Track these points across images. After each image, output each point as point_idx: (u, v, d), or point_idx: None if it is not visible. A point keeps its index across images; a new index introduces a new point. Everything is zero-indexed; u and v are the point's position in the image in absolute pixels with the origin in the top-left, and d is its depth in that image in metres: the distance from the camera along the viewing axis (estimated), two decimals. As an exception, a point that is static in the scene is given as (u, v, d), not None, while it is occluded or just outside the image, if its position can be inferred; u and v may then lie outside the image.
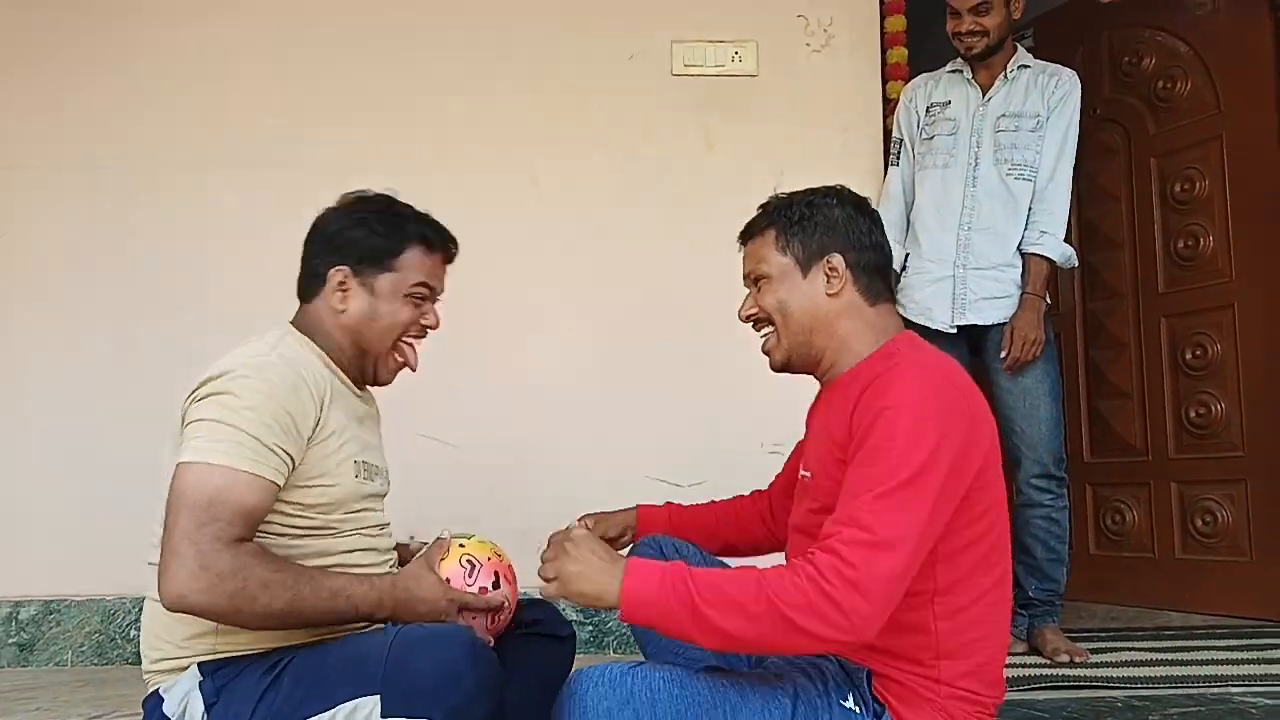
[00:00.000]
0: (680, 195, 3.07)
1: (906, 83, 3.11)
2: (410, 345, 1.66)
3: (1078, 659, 2.62)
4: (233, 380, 1.42)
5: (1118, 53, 3.69)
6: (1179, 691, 2.28)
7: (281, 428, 1.42)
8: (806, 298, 1.50)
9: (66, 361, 2.98)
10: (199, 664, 1.46)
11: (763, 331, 1.57)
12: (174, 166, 3.03)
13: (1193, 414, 3.47)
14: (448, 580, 1.54)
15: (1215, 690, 2.28)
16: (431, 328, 1.66)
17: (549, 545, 1.39)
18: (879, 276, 1.53)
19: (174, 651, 1.48)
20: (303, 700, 1.37)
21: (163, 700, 1.47)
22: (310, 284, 1.62)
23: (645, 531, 1.87)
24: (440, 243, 1.64)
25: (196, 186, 3.01)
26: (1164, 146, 3.58)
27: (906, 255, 2.89)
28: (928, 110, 2.91)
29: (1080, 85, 2.81)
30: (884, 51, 3.23)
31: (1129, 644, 2.83)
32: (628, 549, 1.83)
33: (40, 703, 2.41)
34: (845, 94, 3.17)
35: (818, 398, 1.61)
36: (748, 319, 1.58)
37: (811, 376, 1.58)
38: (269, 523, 1.45)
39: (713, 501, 1.94)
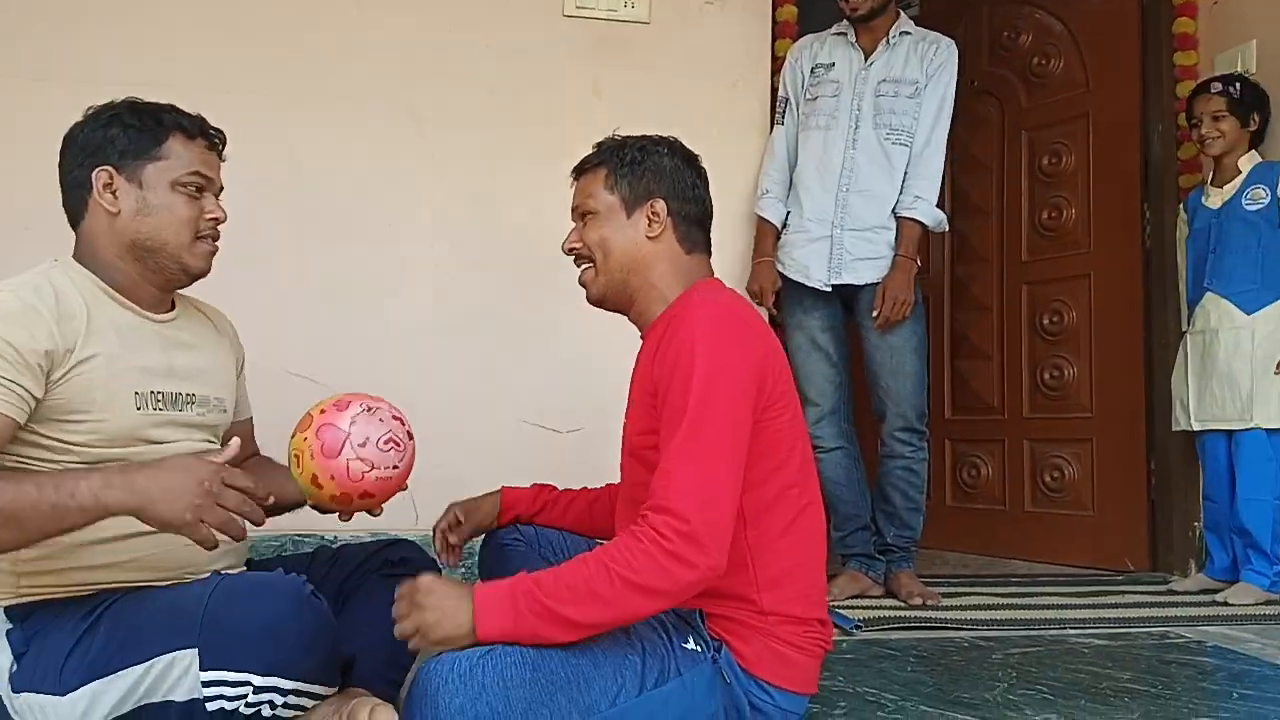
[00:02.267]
0: (566, 140, 2.97)
1: (794, 41, 3.15)
2: (206, 239, 1.55)
3: (929, 601, 2.75)
4: None
5: (998, 27, 3.83)
6: (1020, 633, 2.44)
7: (26, 365, 1.33)
8: (627, 238, 1.56)
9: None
10: (5, 609, 1.39)
11: (582, 266, 1.62)
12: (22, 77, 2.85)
13: (1047, 376, 3.67)
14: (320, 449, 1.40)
15: (1053, 632, 2.45)
16: (219, 221, 1.56)
17: (399, 600, 1.34)
18: (697, 228, 1.61)
19: None
20: (118, 650, 1.31)
21: None
22: (75, 199, 1.52)
23: (510, 514, 1.88)
24: (199, 130, 1.55)
25: (60, 103, 2.84)
26: (1035, 120, 3.73)
27: (788, 213, 2.95)
28: (813, 71, 2.95)
29: (957, 55, 2.89)
30: (774, 9, 3.25)
31: (977, 589, 2.99)
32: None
33: None
34: (734, 49, 3.17)
35: (640, 351, 1.63)
36: (569, 252, 1.63)
37: (627, 319, 1.63)
38: (33, 461, 1.37)
39: (585, 488, 1.95)
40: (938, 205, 2.84)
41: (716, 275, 1.63)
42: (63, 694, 1.31)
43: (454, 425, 2.92)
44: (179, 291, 1.63)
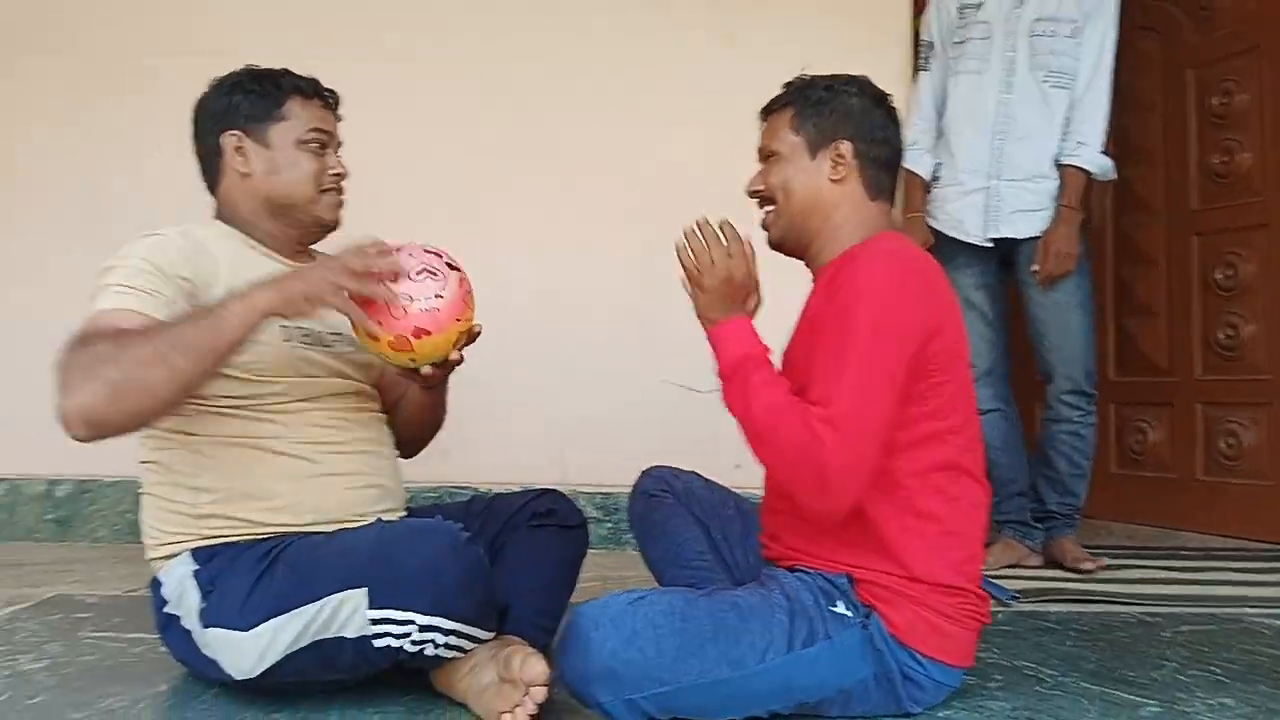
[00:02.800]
0: (699, 88, 3.02)
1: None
2: (331, 193, 1.63)
3: (1096, 567, 2.63)
4: (122, 253, 1.45)
5: (1149, -42, 3.54)
6: (1192, 610, 2.26)
7: (167, 278, 1.43)
8: (811, 180, 1.53)
9: (97, 244, 2.96)
10: (192, 552, 1.49)
11: (765, 208, 1.59)
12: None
13: (1220, 335, 3.39)
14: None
15: (1229, 610, 2.26)
16: (342, 175, 1.64)
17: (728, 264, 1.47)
18: (885, 172, 1.55)
19: (164, 538, 1.51)
20: (295, 589, 1.39)
21: (161, 585, 1.51)
22: (210, 166, 1.62)
23: None
24: (314, 90, 1.63)
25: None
26: (1202, 56, 3.44)
27: (938, 164, 2.80)
28: (960, 11, 2.78)
29: None
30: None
31: (1145, 562, 2.80)
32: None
33: (77, 575, 2.51)
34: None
35: (811, 292, 1.60)
36: (753, 194, 1.60)
37: (802, 263, 1.60)
38: (198, 396, 1.43)
39: None
40: (1104, 152, 2.65)
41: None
42: (246, 629, 1.40)
43: (603, 379, 2.98)
44: (315, 247, 1.71)
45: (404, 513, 1.68)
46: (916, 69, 2.92)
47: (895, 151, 1.56)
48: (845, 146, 1.51)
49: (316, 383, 1.57)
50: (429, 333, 1.43)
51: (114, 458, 2.85)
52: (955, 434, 1.44)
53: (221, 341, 1.33)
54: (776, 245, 1.59)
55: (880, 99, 1.56)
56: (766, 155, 1.58)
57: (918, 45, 2.97)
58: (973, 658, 1.49)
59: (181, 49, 2.92)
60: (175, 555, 1.50)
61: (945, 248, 2.75)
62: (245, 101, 1.59)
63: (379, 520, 1.53)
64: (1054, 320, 2.68)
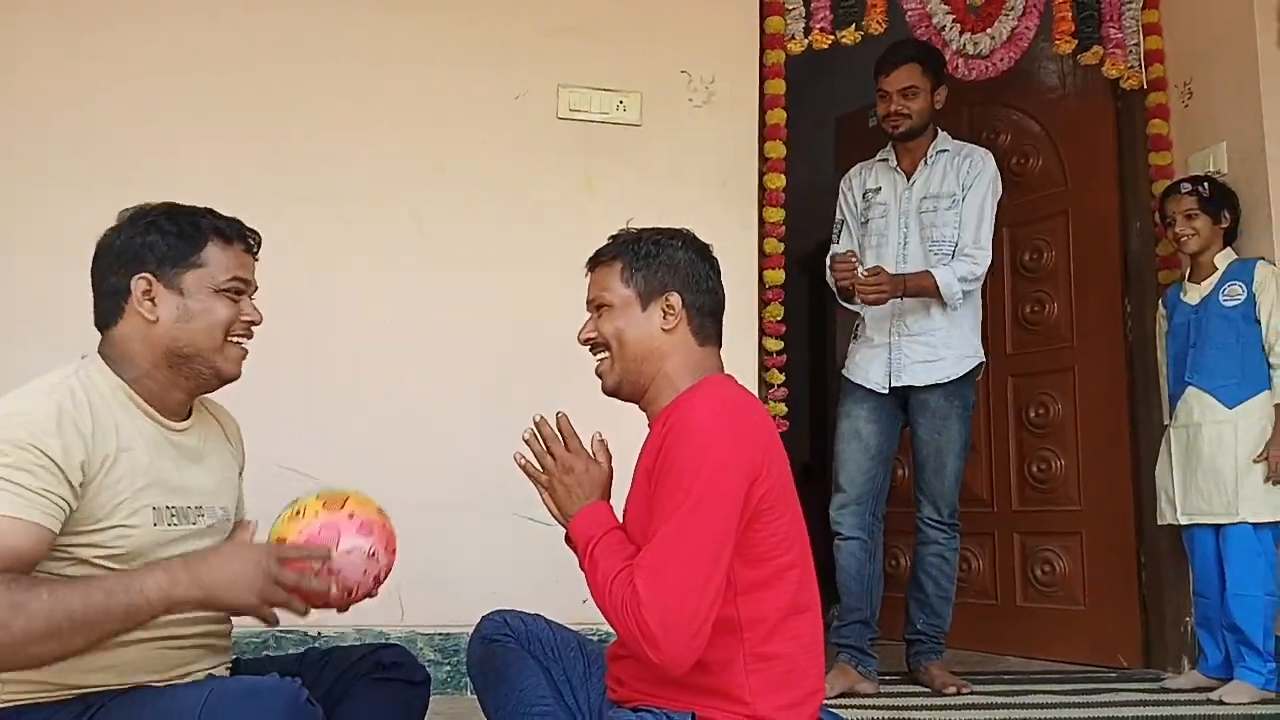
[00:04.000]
0: (561, 236, 3.08)
1: (783, 143, 3.30)
2: (237, 344, 1.55)
3: (964, 690, 2.86)
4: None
5: (977, 127, 3.93)
6: (1015, 733, 2.40)
7: (46, 470, 1.32)
8: (642, 330, 1.59)
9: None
10: None
11: (598, 355, 1.65)
12: (37, 181, 2.90)
13: (1035, 469, 3.68)
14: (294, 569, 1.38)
15: (1047, 732, 2.42)
16: (255, 323, 1.57)
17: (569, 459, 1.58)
18: (710, 319, 1.63)
19: None
20: None
21: None
22: (110, 306, 1.50)
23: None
24: (236, 234, 1.56)
25: (58, 203, 2.90)
26: (1016, 217, 3.82)
27: (858, 324, 3.13)
28: (864, 196, 3.15)
29: (994, 163, 3.06)
30: (763, 113, 3.35)
31: (972, 688, 2.95)
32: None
33: None
34: (724, 149, 3.27)
35: (645, 440, 1.66)
36: (585, 342, 1.66)
37: (637, 407, 1.66)
38: (52, 575, 1.34)
39: None
40: (964, 292, 2.94)
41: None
42: None
43: (445, 520, 2.92)
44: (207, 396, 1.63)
45: (228, 666, 1.59)
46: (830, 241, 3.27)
47: (719, 300, 1.65)
48: (674, 298, 1.58)
49: (168, 552, 1.46)
50: (356, 598, 1.45)
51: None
52: (793, 568, 1.49)
53: (128, 626, 1.28)
54: (612, 392, 1.64)
55: (703, 251, 1.66)
56: (597, 306, 1.63)
57: (763, 196, 3.24)
58: None
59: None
60: None
61: (849, 387, 3.07)
62: (161, 243, 1.49)
63: (209, 677, 1.44)
64: (932, 460, 2.98)
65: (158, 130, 2.96)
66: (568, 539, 1.61)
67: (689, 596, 1.36)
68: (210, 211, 1.56)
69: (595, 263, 1.66)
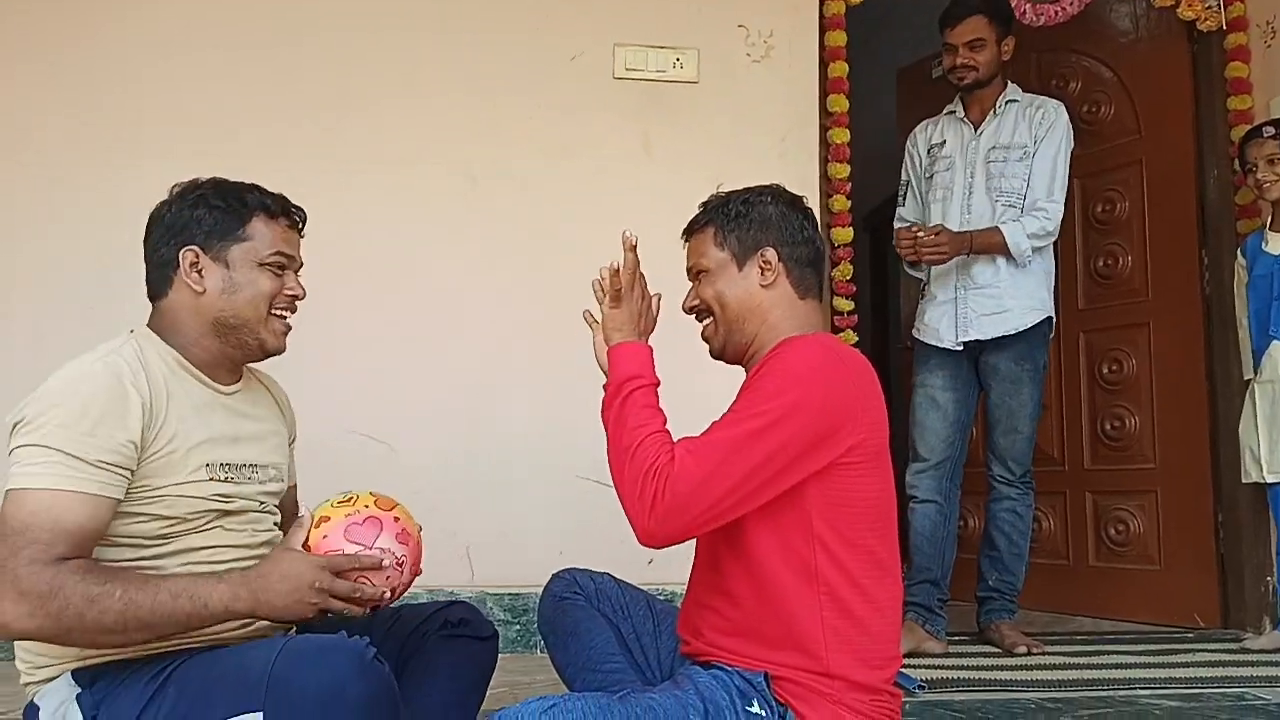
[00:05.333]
0: (618, 198, 3.08)
1: (845, 96, 3.23)
2: (281, 318, 1.60)
3: (1035, 650, 2.83)
4: (48, 402, 1.37)
5: (1045, 75, 3.80)
6: (1090, 694, 2.36)
7: (102, 442, 1.36)
8: (742, 289, 1.59)
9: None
10: (73, 673, 1.40)
11: (703, 321, 1.64)
12: (99, 158, 2.95)
13: (1108, 427, 3.60)
14: (328, 549, 1.44)
15: (1123, 693, 2.38)
16: (298, 298, 1.61)
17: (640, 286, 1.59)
18: (810, 270, 1.61)
19: (43, 661, 1.42)
20: (186, 714, 1.33)
21: (39, 710, 1.41)
22: (160, 277, 1.55)
23: None
24: (281, 210, 1.59)
25: (127, 178, 2.94)
26: (1087, 168, 3.69)
27: (924, 284, 3.10)
28: (928, 152, 3.11)
29: (1067, 115, 2.98)
30: (824, 65, 3.28)
31: (1044, 648, 2.91)
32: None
33: None
34: (783, 104, 3.20)
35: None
36: (690, 310, 1.65)
37: (741, 367, 1.64)
38: (117, 535, 1.40)
39: None
40: (1036, 249, 2.90)
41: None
42: None
43: (511, 479, 2.95)
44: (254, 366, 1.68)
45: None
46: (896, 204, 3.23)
47: (817, 250, 1.63)
48: (770, 253, 1.58)
49: (227, 508, 1.52)
50: (390, 601, 1.50)
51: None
52: (874, 532, 1.47)
53: (186, 630, 1.37)
54: (719, 354, 1.64)
55: (795, 203, 1.64)
56: (696, 273, 1.64)
57: (824, 152, 3.19)
58: None
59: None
60: (54, 678, 1.41)
61: (921, 351, 3.04)
62: (209, 217, 1.53)
63: (281, 635, 1.48)
64: (1004, 421, 2.95)
65: (211, 104, 2.99)
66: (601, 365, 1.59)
67: (714, 491, 1.36)
68: (257, 187, 1.59)
69: (689, 232, 1.66)
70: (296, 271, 1.62)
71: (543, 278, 3.03)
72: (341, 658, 1.31)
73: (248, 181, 1.60)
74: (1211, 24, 3.46)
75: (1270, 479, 2.96)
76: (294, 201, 1.63)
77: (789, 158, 3.18)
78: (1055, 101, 3.02)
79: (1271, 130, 3.02)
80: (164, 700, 1.35)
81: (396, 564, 1.47)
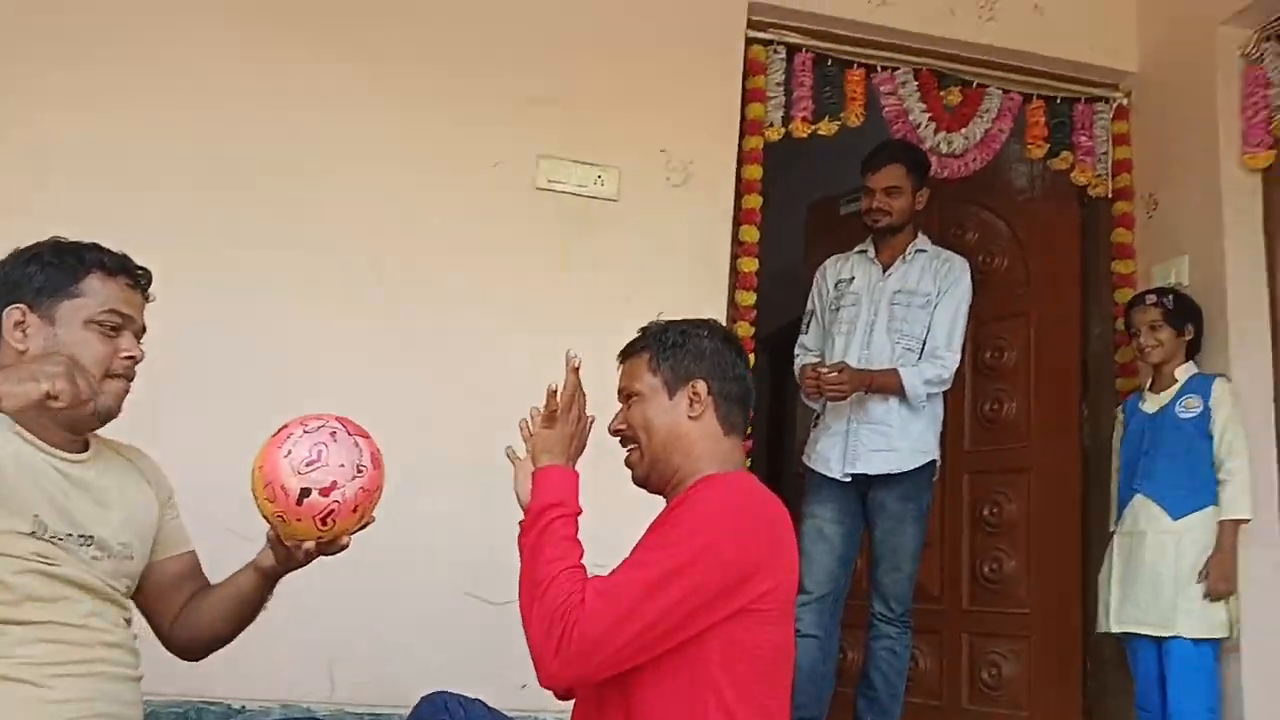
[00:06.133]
0: (530, 306, 3.07)
1: (756, 228, 3.32)
2: (117, 378, 1.51)
3: None
4: None
5: (947, 224, 3.97)
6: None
7: None
8: (670, 417, 1.61)
9: None
10: None
11: (628, 447, 1.66)
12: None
13: (986, 569, 3.68)
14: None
15: None
16: (135, 359, 1.54)
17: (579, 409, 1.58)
18: (738, 407, 1.65)
19: None
20: None
21: None
22: None
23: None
24: (120, 268, 1.54)
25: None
26: (979, 315, 3.80)
27: (818, 413, 3.15)
28: (835, 285, 3.22)
29: (970, 271, 3.12)
30: (739, 197, 3.36)
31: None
32: None
33: None
34: (699, 230, 3.26)
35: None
36: (615, 433, 1.67)
37: (661, 497, 1.64)
38: None
39: None
40: (927, 396, 3.00)
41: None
42: None
43: (389, 594, 2.82)
44: (96, 433, 1.58)
45: None
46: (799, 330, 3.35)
47: (746, 388, 1.66)
48: (700, 385, 1.60)
49: (54, 593, 1.41)
50: (339, 516, 1.44)
51: None
52: (768, 682, 1.47)
53: None
54: (641, 481, 1.65)
55: (730, 339, 1.70)
56: (627, 396, 1.65)
57: (734, 278, 3.29)
58: None
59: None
60: None
61: (812, 480, 3.07)
62: (40, 274, 1.48)
63: None
64: (888, 557, 2.98)
65: (122, 172, 2.90)
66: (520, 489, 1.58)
67: (622, 635, 1.34)
68: (97, 246, 1.54)
69: (625, 355, 1.70)
70: (139, 334, 1.55)
71: (447, 380, 2.99)
72: None
73: (90, 241, 1.54)
74: (1100, 190, 3.70)
75: (1116, 630, 3.05)
76: (138, 263, 1.58)
77: (699, 280, 3.23)
78: (961, 259, 3.17)
79: (1154, 298, 3.18)
80: None
81: (358, 464, 1.48)
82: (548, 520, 1.47)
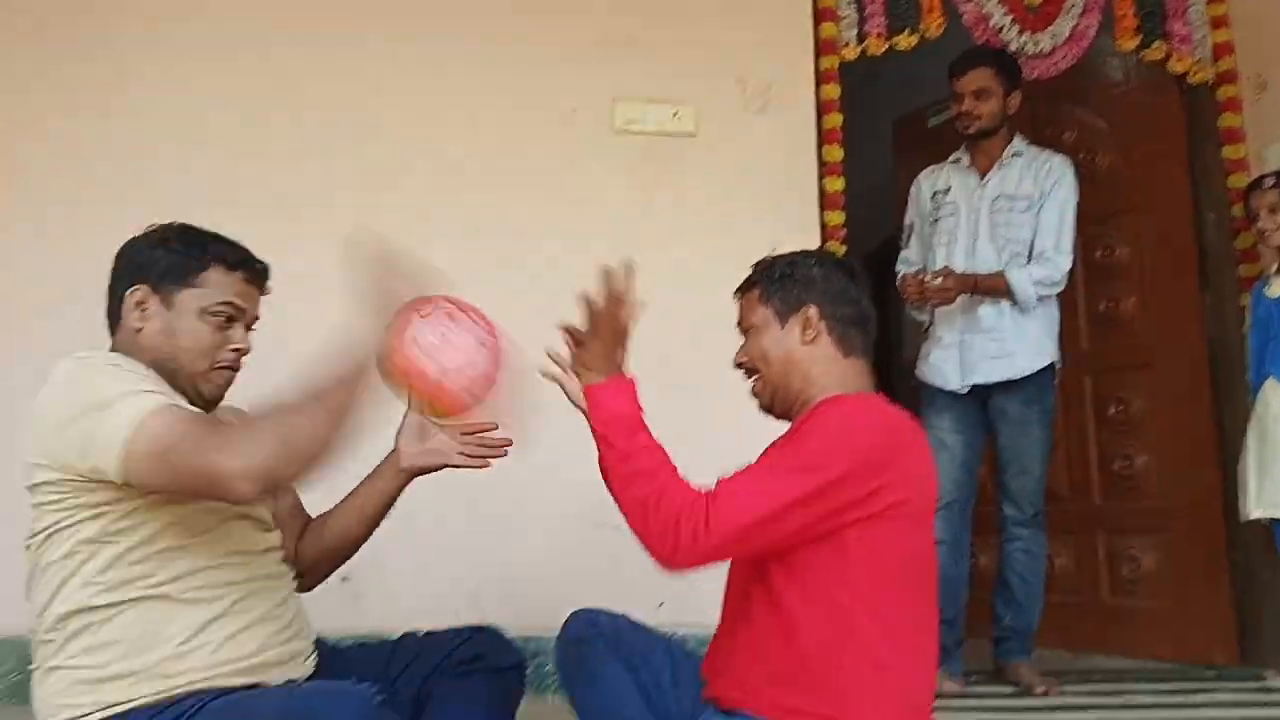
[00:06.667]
0: (616, 248, 3.07)
1: (841, 147, 3.30)
2: (223, 370, 1.58)
3: (1053, 692, 2.81)
4: (92, 375, 1.43)
5: (1043, 125, 3.86)
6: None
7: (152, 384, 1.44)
8: (784, 346, 1.62)
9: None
10: None
11: (752, 378, 1.68)
12: (106, 202, 3.00)
13: (1116, 465, 3.59)
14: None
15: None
16: (242, 351, 1.60)
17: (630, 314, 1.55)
18: (854, 329, 1.64)
19: (64, 711, 1.41)
20: None
21: None
22: (112, 307, 1.57)
23: None
24: (240, 262, 1.59)
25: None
26: (1086, 215, 3.70)
27: (927, 325, 3.12)
28: (932, 197, 3.15)
29: (1073, 168, 3.04)
30: (819, 118, 3.36)
31: (1061, 689, 2.87)
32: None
33: None
34: (781, 156, 3.28)
35: None
36: (738, 366, 1.70)
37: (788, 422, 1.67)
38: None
39: None
40: (1040, 298, 2.94)
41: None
42: None
43: (522, 524, 2.93)
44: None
45: (315, 654, 1.62)
46: (900, 246, 3.27)
47: (861, 311, 1.66)
48: (812, 310, 1.61)
49: (211, 518, 1.50)
50: (480, 387, 1.53)
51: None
52: (910, 589, 1.48)
53: (329, 418, 1.36)
54: (767, 409, 1.68)
55: (842, 264, 1.70)
56: (745, 330, 1.69)
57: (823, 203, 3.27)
58: None
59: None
60: None
61: (927, 393, 3.05)
62: (165, 258, 1.55)
63: (288, 682, 1.47)
64: (1015, 462, 2.96)
65: (222, 148, 3.06)
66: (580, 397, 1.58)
67: (754, 511, 1.38)
68: (221, 238, 1.61)
69: (740, 291, 1.72)
70: (249, 325, 1.62)
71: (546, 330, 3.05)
72: (349, 703, 1.32)
73: (213, 232, 1.61)
74: (1201, 76, 3.56)
75: (1258, 515, 2.95)
76: (258, 256, 1.64)
77: (786, 206, 3.24)
78: (1062, 157, 3.08)
79: (1272, 180, 3.08)
80: None
81: (480, 341, 1.55)
82: (635, 431, 1.50)
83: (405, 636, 1.80)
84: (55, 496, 1.42)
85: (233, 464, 1.29)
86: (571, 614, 1.86)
